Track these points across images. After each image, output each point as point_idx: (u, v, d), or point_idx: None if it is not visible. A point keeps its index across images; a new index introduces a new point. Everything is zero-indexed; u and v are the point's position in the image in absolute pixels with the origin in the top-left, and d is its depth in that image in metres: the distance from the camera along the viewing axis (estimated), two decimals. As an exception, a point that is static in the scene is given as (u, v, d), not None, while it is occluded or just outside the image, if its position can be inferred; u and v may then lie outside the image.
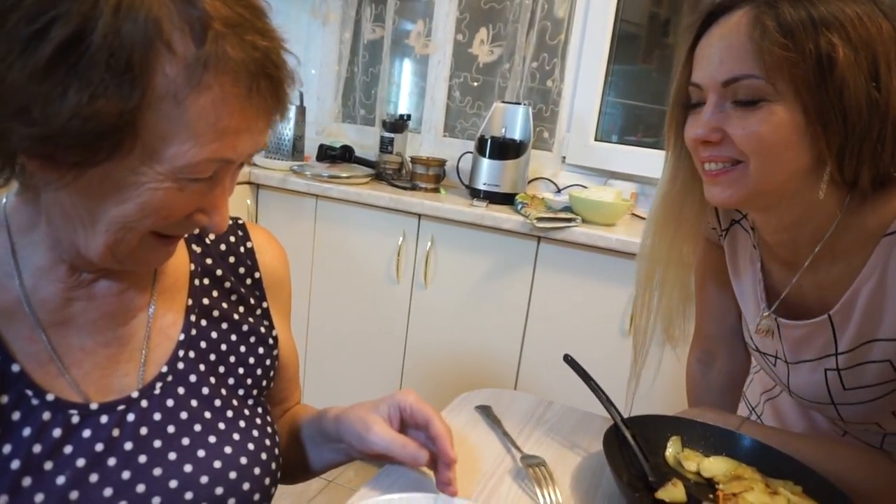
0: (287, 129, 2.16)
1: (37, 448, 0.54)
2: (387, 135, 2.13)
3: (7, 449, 0.53)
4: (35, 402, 0.55)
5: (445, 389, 1.95)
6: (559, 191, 2.07)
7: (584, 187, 1.98)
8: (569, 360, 0.81)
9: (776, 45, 0.62)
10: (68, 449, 0.56)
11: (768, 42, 0.62)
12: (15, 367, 0.55)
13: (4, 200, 0.59)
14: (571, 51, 2.07)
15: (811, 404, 0.82)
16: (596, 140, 2.11)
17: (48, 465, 0.54)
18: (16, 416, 0.55)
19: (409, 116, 2.19)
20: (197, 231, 0.71)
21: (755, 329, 0.83)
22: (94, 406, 0.58)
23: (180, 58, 0.46)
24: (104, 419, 0.58)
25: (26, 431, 0.54)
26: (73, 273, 0.59)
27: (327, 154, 2.15)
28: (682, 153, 0.77)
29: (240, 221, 0.76)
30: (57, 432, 0.56)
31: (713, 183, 0.70)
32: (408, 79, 2.42)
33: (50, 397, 0.56)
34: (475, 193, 1.97)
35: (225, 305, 0.70)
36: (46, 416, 0.56)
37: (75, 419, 0.57)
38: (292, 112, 2.16)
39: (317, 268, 2.06)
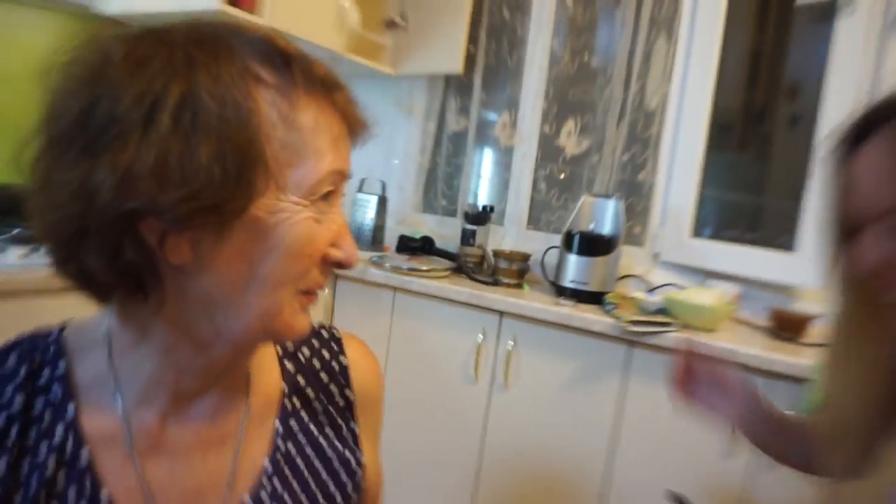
0: (367, 219, 2.15)
1: None
2: (469, 227, 2.07)
3: None
4: None
5: (522, 500, 1.78)
6: (652, 290, 1.92)
7: (680, 287, 1.83)
8: (672, 496, 0.66)
9: None
10: None
11: None
12: (104, 494, 0.53)
13: (108, 322, 0.56)
14: (665, 143, 1.98)
15: None
16: (693, 236, 1.97)
17: None
18: None
19: (492, 208, 2.14)
20: (290, 346, 0.68)
21: None
22: None
23: (272, 86, 0.49)
24: None
25: None
26: (178, 385, 0.56)
27: (407, 245, 2.11)
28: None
29: (335, 333, 0.72)
30: None
31: None
32: (491, 170, 2.38)
33: None
34: (561, 291, 1.85)
35: (313, 428, 0.65)
36: None
37: None
38: (373, 202, 2.14)
39: (392, 363, 1.98)
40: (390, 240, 2.23)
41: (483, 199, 2.38)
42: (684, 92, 1.95)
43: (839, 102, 1.71)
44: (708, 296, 1.65)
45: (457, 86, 2.36)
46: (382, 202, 2.17)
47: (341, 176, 0.54)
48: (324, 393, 0.68)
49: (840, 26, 1.74)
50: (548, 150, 2.20)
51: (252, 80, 0.48)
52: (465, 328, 1.83)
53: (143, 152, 0.44)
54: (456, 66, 2.18)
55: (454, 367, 1.86)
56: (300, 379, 0.67)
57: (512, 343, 1.76)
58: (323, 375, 0.68)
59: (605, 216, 1.87)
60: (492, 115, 2.32)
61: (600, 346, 1.65)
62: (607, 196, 1.90)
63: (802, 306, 1.79)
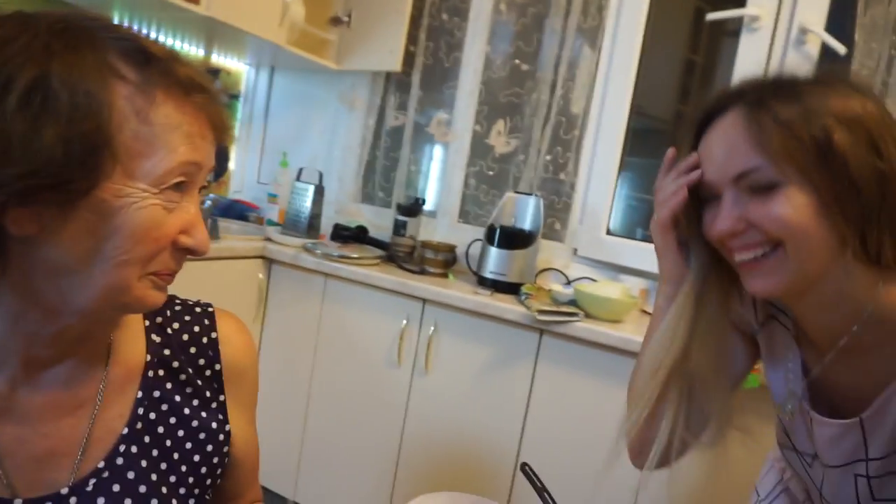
0: (304, 207, 2.22)
1: None
2: (400, 218, 2.16)
3: None
4: None
5: (441, 478, 1.88)
6: (568, 283, 2.04)
7: (594, 280, 1.95)
8: (525, 470, 0.76)
9: (775, 136, 0.65)
10: None
11: (767, 135, 0.66)
12: None
13: None
14: (586, 145, 2.10)
15: None
16: (607, 234, 2.10)
17: None
18: None
19: (423, 201, 2.23)
20: (159, 320, 0.71)
21: (783, 411, 0.80)
22: (17, 502, 0.57)
23: (131, 82, 0.53)
24: None
25: None
26: (30, 351, 0.58)
27: (340, 233, 2.19)
28: (700, 252, 0.79)
29: (209, 309, 0.76)
30: None
31: (754, 273, 0.70)
32: (427, 165, 2.48)
33: None
34: (482, 281, 1.96)
35: (177, 398, 0.68)
36: None
37: None
38: (310, 190, 2.22)
39: (321, 346, 2.05)
40: (326, 228, 2.31)
41: (420, 193, 2.47)
42: (605, 99, 2.08)
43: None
44: (614, 289, 1.77)
45: (397, 83, 2.45)
46: (319, 191, 2.24)
47: (196, 167, 0.57)
48: (191, 365, 0.71)
49: (744, 40, 1.88)
50: (478, 147, 2.30)
51: (110, 73, 0.52)
52: (390, 314, 1.92)
53: None
54: (395, 63, 2.27)
55: (379, 351, 1.95)
56: (166, 351, 0.69)
57: (433, 329, 1.86)
58: (192, 348, 0.72)
59: (527, 212, 1.98)
60: (428, 113, 2.41)
61: (514, 333, 1.76)
62: (529, 193, 2.01)
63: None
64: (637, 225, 2.18)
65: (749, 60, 1.87)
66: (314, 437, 2.08)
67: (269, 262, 2.12)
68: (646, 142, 2.21)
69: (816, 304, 0.72)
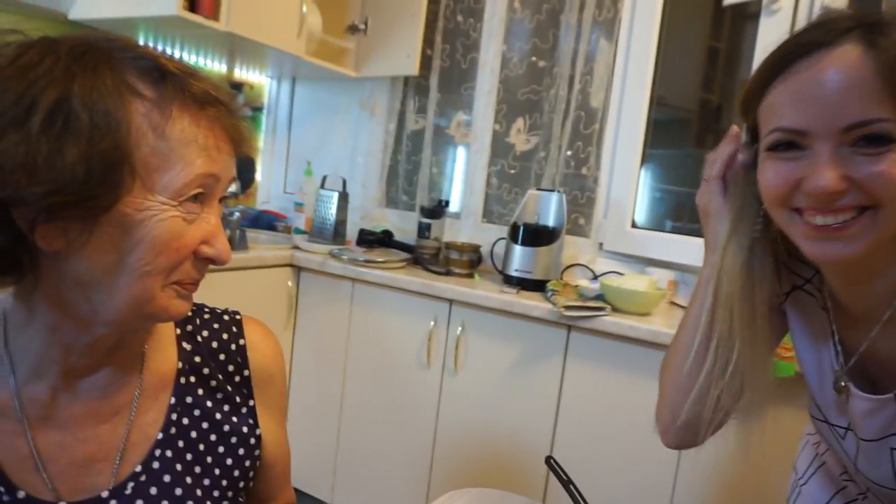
0: (329, 213, 2.25)
1: None
2: (424, 220, 2.17)
3: None
4: (6, 498, 0.57)
5: (476, 476, 1.88)
6: (595, 278, 2.03)
7: (621, 274, 1.94)
8: (550, 462, 0.76)
9: None
10: None
11: None
12: None
13: (2, 304, 0.62)
14: (607, 139, 2.09)
15: (879, 488, 0.75)
16: (633, 227, 2.08)
17: None
18: None
19: (447, 202, 2.24)
20: (189, 328, 0.73)
21: (831, 388, 0.76)
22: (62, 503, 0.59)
23: (148, 99, 0.55)
24: None
25: None
26: (64, 369, 0.61)
27: (366, 238, 2.21)
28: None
29: (237, 317, 0.78)
30: None
31: (833, 238, 0.62)
32: (449, 166, 2.49)
33: (21, 494, 0.58)
34: (508, 280, 1.96)
35: (209, 404, 0.70)
36: None
37: None
38: (335, 197, 2.24)
39: (351, 350, 2.08)
40: (352, 234, 2.34)
41: (444, 195, 2.48)
42: (624, 91, 2.06)
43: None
44: (641, 282, 1.76)
45: (415, 87, 2.47)
46: (343, 198, 2.27)
47: (214, 179, 0.59)
48: (221, 371, 0.73)
49: (764, 24, 1.85)
50: (499, 146, 2.31)
51: (128, 92, 0.54)
52: (417, 316, 1.94)
53: (14, 148, 0.50)
54: (413, 68, 2.29)
55: (409, 353, 1.96)
56: (197, 358, 0.72)
57: (461, 329, 1.86)
58: (221, 355, 0.74)
59: (549, 209, 1.97)
60: (448, 115, 2.42)
61: (542, 330, 1.75)
62: (551, 190, 2.00)
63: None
64: (665, 217, 2.15)
65: (770, 45, 1.83)
66: (349, 441, 2.11)
67: (297, 269, 2.16)
68: (670, 133, 2.18)
69: (865, 273, 0.68)
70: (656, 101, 2.09)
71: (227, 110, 0.60)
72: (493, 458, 1.86)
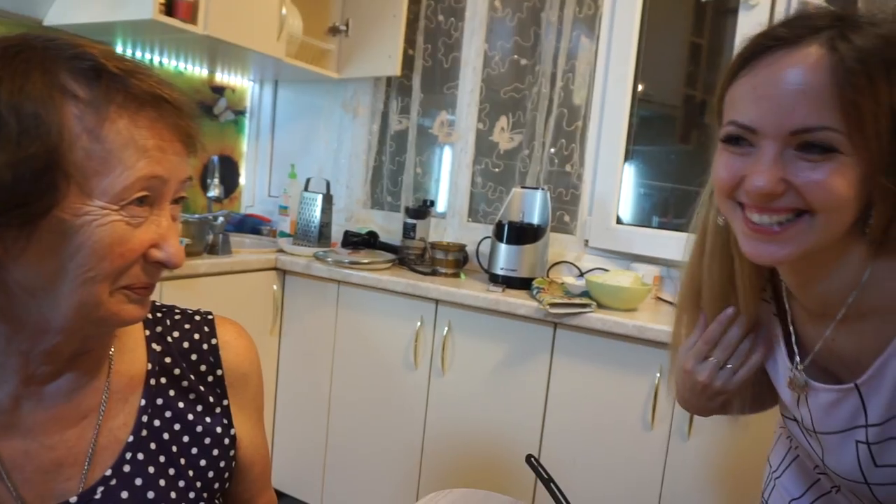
0: (314, 216, 2.23)
1: None
2: (409, 221, 2.16)
3: None
4: None
5: (465, 476, 1.88)
6: (581, 275, 2.03)
7: (606, 271, 1.94)
8: (531, 461, 0.76)
9: (864, 98, 0.57)
10: None
11: (852, 93, 0.56)
12: None
13: None
14: (590, 136, 2.09)
15: (845, 482, 0.75)
16: (617, 223, 2.08)
17: None
18: None
19: (432, 202, 2.23)
20: (159, 329, 0.72)
21: (786, 383, 0.78)
22: None
23: (82, 100, 0.53)
24: None
25: None
26: (23, 376, 0.59)
27: (351, 240, 2.20)
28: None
29: (209, 317, 0.77)
30: None
31: (767, 239, 0.64)
32: (433, 166, 2.48)
33: None
34: (494, 278, 1.95)
35: (181, 405, 0.69)
36: None
37: None
38: (318, 200, 2.23)
39: (338, 353, 2.07)
40: (337, 236, 2.32)
41: (427, 195, 2.48)
42: (606, 87, 2.06)
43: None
44: (626, 278, 1.75)
45: (398, 87, 2.46)
46: (327, 200, 2.26)
47: (160, 181, 0.56)
48: (193, 372, 0.72)
49: (743, 19, 1.86)
50: (483, 145, 2.30)
51: (60, 94, 0.52)
52: (404, 317, 1.93)
53: None
54: (395, 68, 2.28)
55: (396, 354, 1.95)
56: (167, 359, 0.70)
57: (447, 329, 1.86)
58: (193, 355, 0.72)
59: (534, 207, 1.97)
60: (431, 114, 2.42)
61: (528, 328, 1.75)
62: (535, 188, 2.00)
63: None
64: (651, 213, 2.16)
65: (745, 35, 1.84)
66: (337, 444, 2.09)
67: (282, 273, 2.14)
68: (654, 129, 2.19)
69: (814, 275, 0.69)
70: (640, 98, 2.09)
71: (173, 108, 0.58)
72: (482, 458, 1.85)
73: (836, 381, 0.72)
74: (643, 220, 2.14)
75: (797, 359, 0.76)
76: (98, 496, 0.61)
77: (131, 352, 0.69)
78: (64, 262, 0.53)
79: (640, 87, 2.09)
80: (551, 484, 0.74)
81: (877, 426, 0.68)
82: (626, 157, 2.08)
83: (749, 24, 1.84)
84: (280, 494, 2.22)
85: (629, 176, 2.12)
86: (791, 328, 0.77)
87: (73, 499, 0.60)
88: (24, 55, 0.52)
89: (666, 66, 2.17)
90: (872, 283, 0.66)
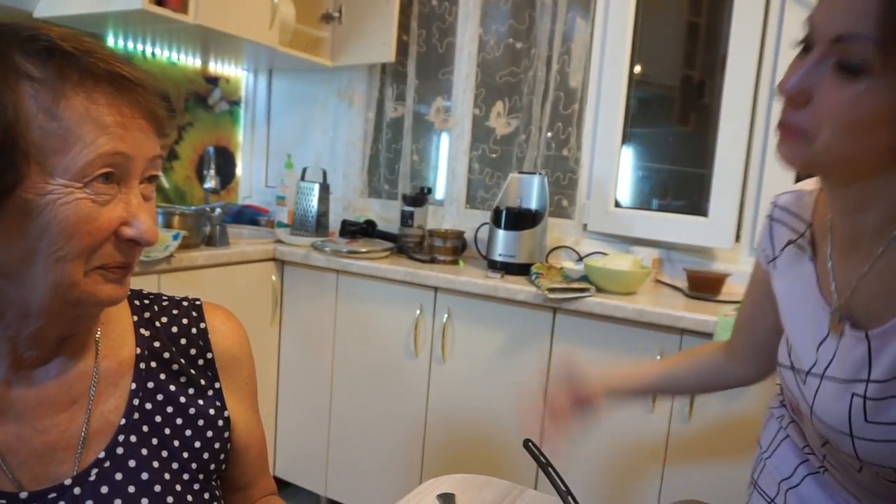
0: (311, 206, 2.23)
1: None
2: (407, 208, 2.15)
3: None
4: None
5: (468, 462, 1.88)
6: (580, 259, 2.02)
7: (605, 255, 1.93)
8: (528, 445, 0.76)
9: None
10: None
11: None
12: None
13: None
14: (587, 119, 2.08)
15: (829, 431, 0.74)
16: (616, 206, 2.07)
17: None
18: None
19: (429, 190, 2.22)
20: (147, 315, 0.72)
21: (817, 330, 0.76)
22: (23, 495, 0.58)
23: (37, 79, 0.52)
24: None
25: None
26: (12, 360, 0.60)
27: (348, 229, 2.19)
28: None
29: (197, 303, 0.77)
30: None
31: (782, 138, 0.65)
32: (430, 153, 2.47)
33: None
34: (492, 265, 1.95)
35: (172, 388, 0.70)
36: None
37: None
38: (315, 189, 2.22)
39: (339, 342, 2.07)
40: (335, 225, 2.32)
41: (424, 182, 2.47)
42: (602, 70, 2.04)
43: (739, 70, 1.82)
44: (625, 261, 1.75)
45: (393, 74, 2.44)
46: (324, 189, 2.25)
47: (124, 157, 0.56)
48: (183, 356, 0.72)
49: None
50: (480, 131, 2.29)
51: (13, 74, 0.52)
52: (403, 305, 1.92)
53: None
54: (389, 55, 2.26)
55: (396, 342, 1.95)
56: (156, 343, 0.71)
57: (446, 316, 1.85)
58: (182, 340, 0.73)
59: (532, 192, 1.96)
60: (427, 101, 2.40)
61: (527, 314, 1.75)
62: (532, 172, 1.99)
63: (718, 266, 1.90)
64: (651, 195, 2.14)
65: (745, 17, 1.83)
66: (340, 433, 2.10)
67: (280, 263, 2.14)
68: (653, 111, 2.17)
69: (852, 202, 0.68)
70: (639, 80, 2.07)
71: (133, 85, 0.57)
72: (485, 444, 1.85)
73: (851, 325, 0.71)
74: (643, 203, 2.13)
75: (836, 296, 0.73)
76: (92, 478, 0.62)
77: (120, 337, 0.69)
78: (33, 242, 0.53)
79: (637, 69, 2.07)
80: (549, 468, 0.74)
81: (879, 383, 0.67)
82: (624, 140, 2.07)
83: (746, 2, 1.82)
84: (284, 483, 2.23)
85: (628, 159, 2.11)
86: (831, 275, 0.75)
87: (68, 481, 0.61)
88: None
89: (663, 47, 2.15)
90: None
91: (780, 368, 0.85)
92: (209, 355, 0.74)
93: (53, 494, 0.59)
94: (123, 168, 0.57)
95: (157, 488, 0.64)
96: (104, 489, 0.62)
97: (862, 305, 0.71)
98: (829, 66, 0.59)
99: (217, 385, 0.74)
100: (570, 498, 0.71)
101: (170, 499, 0.65)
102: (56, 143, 0.53)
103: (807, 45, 0.63)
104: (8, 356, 0.60)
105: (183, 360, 0.72)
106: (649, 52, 2.07)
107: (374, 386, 2.01)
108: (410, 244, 2.13)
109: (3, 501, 0.57)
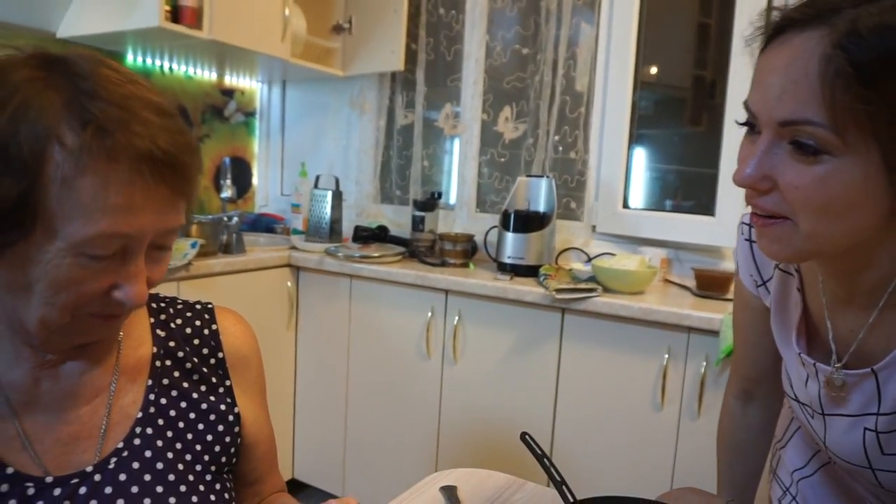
0: (324, 213, 2.28)
1: None
2: (418, 213, 2.20)
3: None
4: None
5: (482, 462, 1.91)
6: (589, 260, 2.05)
7: (614, 255, 1.95)
8: (525, 438, 0.79)
9: (851, 96, 0.51)
10: None
11: (841, 90, 0.51)
12: None
13: None
14: (594, 121, 2.10)
15: (848, 465, 0.74)
16: (624, 207, 2.10)
17: None
18: None
19: (440, 195, 2.26)
20: (163, 317, 0.77)
21: (800, 365, 0.76)
22: (49, 479, 0.63)
23: (67, 147, 0.54)
24: (57, 492, 0.63)
25: None
26: (37, 356, 0.65)
27: (361, 235, 2.24)
28: None
29: (209, 306, 0.82)
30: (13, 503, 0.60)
31: (760, 233, 0.62)
32: (440, 159, 2.51)
33: (10, 470, 0.61)
34: (502, 267, 1.98)
35: (186, 385, 0.74)
36: (4, 487, 0.61)
37: (31, 491, 0.61)
38: (328, 196, 2.27)
39: (353, 345, 2.11)
40: (348, 231, 2.37)
41: (435, 187, 2.51)
42: (608, 72, 2.07)
43: (745, 70, 1.84)
44: (632, 261, 1.77)
45: (402, 82, 2.49)
46: (337, 196, 2.30)
47: (125, 239, 0.57)
48: (195, 355, 0.77)
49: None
50: (488, 136, 2.33)
51: (49, 138, 0.53)
52: (415, 308, 1.96)
53: None
54: (398, 63, 2.31)
55: (409, 345, 1.99)
56: (172, 343, 0.75)
57: (457, 319, 1.89)
58: (195, 340, 0.77)
59: (540, 194, 1.99)
60: (436, 107, 2.45)
61: (537, 315, 1.78)
62: (540, 175, 2.02)
63: (726, 265, 1.91)
64: (662, 196, 2.16)
65: (749, 15, 1.84)
66: (356, 435, 2.14)
67: (296, 269, 2.19)
68: (665, 112, 2.19)
69: (842, 268, 0.65)
70: (648, 81, 2.09)
71: (163, 165, 0.57)
72: (498, 443, 1.88)
73: (850, 364, 0.70)
74: (654, 204, 2.14)
75: (834, 355, 0.72)
76: (112, 466, 0.66)
77: (139, 336, 0.74)
78: (30, 281, 0.57)
79: (651, 70, 2.09)
80: (545, 459, 0.77)
81: (888, 415, 0.67)
82: (632, 141, 2.09)
83: (755, 2, 1.83)
84: (302, 485, 2.28)
85: (640, 160, 2.13)
86: (828, 324, 0.72)
87: (90, 468, 0.65)
88: (36, 86, 0.55)
89: (674, 48, 2.17)
90: None
91: (788, 399, 0.83)
92: (220, 355, 0.78)
93: (76, 480, 0.64)
94: (124, 245, 0.58)
95: (171, 477, 0.68)
96: (122, 477, 0.66)
97: (857, 350, 0.70)
98: (784, 147, 0.56)
99: (227, 383, 0.78)
100: (564, 488, 0.74)
101: (182, 488, 0.69)
102: (64, 211, 0.54)
103: (752, 125, 0.60)
104: (31, 358, 0.65)
105: (196, 359, 0.76)
106: (659, 54, 2.09)
107: (389, 388, 2.05)
108: (422, 248, 2.17)
109: (31, 484, 0.62)
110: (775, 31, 0.58)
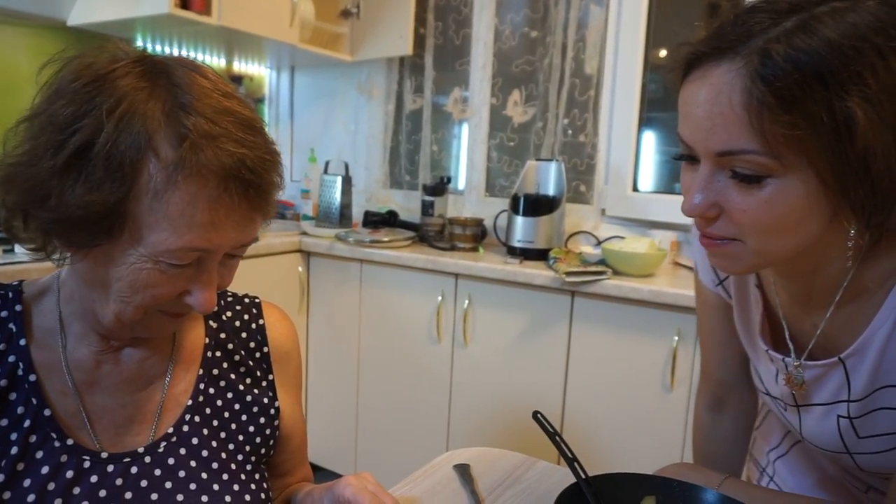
0: (334, 198, 2.29)
1: (51, 486, 0.62)
2: (427, 198, 2.20)
3: (27, 483, 0.62)
4: (57, 444, 0.64)
5: (492, 444, 1.93)
6: (598, 243, 2.05)
7: (623, 238, 1.96)
8: (537, 417, 0.80)
9: (778, 124, 0.52)
10: (76, 490, 0.63)
11: (769, 120, 0.52)
12: (47, 412, 0.65)
13: (61, 273, 0.71)
14: (603, 105, 2.10)
15: (826, 452, 0.76)
16: (634, 190, 2.09)
17: (57, 503, 0.62)
18: (39, 454, 0.63)
19: (449, 179, 2.27)
20: (215, 309, 0.79)
21: (767, 372, 0.78)
22: (104, 455, 0.66)
23: (162, 160, 0.56)
24: (111, 468, 0.66)
25: (44, 469, 0.63)
26: (103, 340, 0.68)
27: (371, 220, 2.25)
28: None
29: (256, 300, 0.84)
30: (69, 474, 0.63)
31: (714, 253, 0.64)
32: (449, 143, 2.51)
33: (70, 442, 0.65)
34: (511, 251, 1.99)
35: (233, 376, 0.77)
36: (63, 458, 0.64)
37: (87, 464, 0.65)
38: (338, 182, 2.28)
39: (364, 330, 2.13)
40: (358, 216, 2.38)
41: (444, 172, 2.51)
42: (618, 55, 2.06)
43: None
44: (641, 244, 1.77)
45: (411, 67, 2.49)
46: (347, 181, 2.31)
47: (203, 253, 0.60)
48: (243, 348, 0.79)
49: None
50: (497, 120, 2.33)
51: (146, 150, 0.56)
52: (425, 292, 1.98)
53: (40, 176, 0.57)
54: (406, 48, 2.31)
55: (419, 328, 2.01)
56: (222, 335, 0.78)
57: (468, 302, 1.90)
58: (243, 333, 0.80)
59: (549, 178, 1.99)
60: (445, 92, 2.44)
61: (546, 298, 1.79)
62: (549, 159, 2.02)
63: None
64: (673, 179, 2.15)
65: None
66: (368, 418, 2.17)
67: (306, 254, 2.21)
68: (675, 95, 2.16)
69: (795, 272, 0.69)
70: (660, 64, 2.08)
71: (246, 185, 0.59)
72: (509, 425, 1.90)
73: (816, 355, 0.72)
74: (664, 187, 2.14)
75: (792, 353, 0.74)
76: (161, 450, 0.69)
77: (193, 328, 0.77)
78: (110, 279, 0.61)
79: (661, 53, 2.08)
80: (556, 437, 0.78)
81: (859, 401, 0.68)
82: (641, 125, 2.08)
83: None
84: (315, 468, 2.31)
85: (649, 143, 2.13)
86: (783, 323, 0.75)
87: (141, 449, 0.69)
88: (145, 101, 0.57)
89: (685, 30, 2.15)
90: (857, 273, 0.65)
91: (760, 394, 0.85)
92: (265, 349, 0.81)
93: (128, 459, 0.67)
94: (205, 259, 0.62)
95: (215, 465, 0.71)
96: (170, 461, 0.69)
97: (820, 343, 0.72)
98: (723, 175, 0.58)
99: (270, 377, 0.80)
100: (576, 465, 0.75)
101: (224, 476, 0.71)
102: (152, 222, 0.57)
103: (688, 157, 0.61)
104: (96, 342, 0.68)
105: (243, 352, 0.79)
106: (668, 37, 2.07)
107: (400, 371, 2.07)
108: (431, 233, 2.18)
109: (88, 458, 0.65)
110: (691, 63, 0.59)
